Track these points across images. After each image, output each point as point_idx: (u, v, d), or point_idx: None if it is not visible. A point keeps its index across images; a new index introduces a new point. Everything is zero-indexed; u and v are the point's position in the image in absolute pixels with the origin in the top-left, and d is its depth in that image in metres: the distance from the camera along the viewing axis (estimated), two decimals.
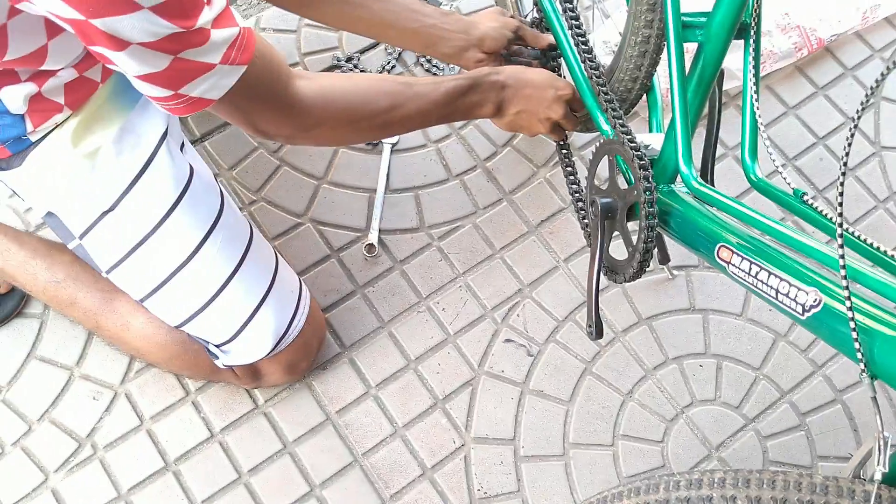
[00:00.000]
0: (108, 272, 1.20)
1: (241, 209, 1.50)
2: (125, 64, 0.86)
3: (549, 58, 1.38)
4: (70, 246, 1.20)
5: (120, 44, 0.82)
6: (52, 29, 0.94)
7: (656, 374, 1.46)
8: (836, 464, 1.42)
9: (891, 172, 1.66)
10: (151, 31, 0.82)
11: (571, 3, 1.27)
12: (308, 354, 1.35)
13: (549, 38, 1.35)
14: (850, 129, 0.66)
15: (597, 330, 1.19)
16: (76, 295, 1.29)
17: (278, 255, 1.30)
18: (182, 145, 1.23)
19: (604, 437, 1.42)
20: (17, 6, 0.84)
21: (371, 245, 1.50)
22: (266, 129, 1.05)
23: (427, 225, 1.54)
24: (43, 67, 0.99)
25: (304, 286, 1.32)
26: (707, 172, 1.23)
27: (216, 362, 1.29)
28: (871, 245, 0.85)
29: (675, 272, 1.53)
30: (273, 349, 1.26)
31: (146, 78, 0.88)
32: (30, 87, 1.02)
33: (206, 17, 0.86)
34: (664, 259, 1.46)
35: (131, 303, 1.27)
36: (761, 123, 1.03)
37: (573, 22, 1.25)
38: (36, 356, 1.39)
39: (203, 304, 1.20)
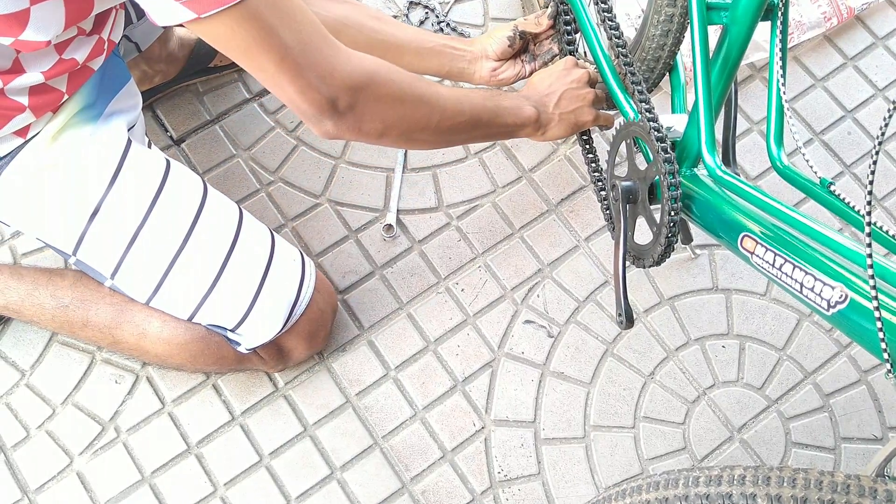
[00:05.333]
0: (112, 276, 1.21)
1: (258, 190, 1.49)
2: None
3: (564, 34, 1.34)
4: (69, 262, 1.21)
5: None
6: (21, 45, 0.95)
7: (678, 355, 1.45)
8: (859, 445, 1.40)
9: None
10: None
11: None
12: (324, 322, 1.34)
13: (547, 17, 1.35)
14: (874, 149, 0.64)
15: (627, 318, 1.16)
16: (87, 314, 1.28)
17: (271, 230, 1.30)
18: (149, 146, 1.25)
19: (625, 419, 1.41)
20: None
21: (389, 225, 1.49)
22: (312, 82, 0.96)
23: (446, 204, 1.53)
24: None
25: (305, 256, 1.31)
26: (728, 153, 1.20)
27: (238, 349, 1.29)
28: None
29: (697, 251, 1.51)
30: (287, 321, 1.26)
31: None
32: None
33: None
34: (687, 239, 1.44)
35: (144, 310, 1.27)
36: (787, 109, 1.00)
37: None
38: (58, 340, 1.39)
39: (207, 288, 1.21)
